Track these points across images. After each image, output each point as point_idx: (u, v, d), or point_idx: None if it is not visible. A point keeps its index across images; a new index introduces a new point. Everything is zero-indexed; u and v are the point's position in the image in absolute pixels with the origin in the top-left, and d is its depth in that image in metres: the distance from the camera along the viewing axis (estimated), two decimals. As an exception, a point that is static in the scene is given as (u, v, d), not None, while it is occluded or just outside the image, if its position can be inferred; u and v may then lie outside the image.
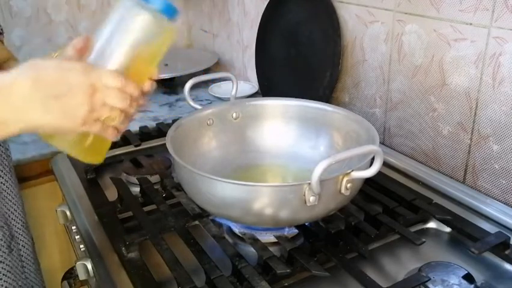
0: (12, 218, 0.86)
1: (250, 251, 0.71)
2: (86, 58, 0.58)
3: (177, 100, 1.41)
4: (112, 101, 0.55)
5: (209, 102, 1.39)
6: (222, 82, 1.44)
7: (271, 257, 0.67)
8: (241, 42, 1.48)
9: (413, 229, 0.76)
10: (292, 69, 1.19)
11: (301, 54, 1.15)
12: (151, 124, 1.20)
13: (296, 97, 0.92)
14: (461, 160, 0.88)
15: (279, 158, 0.91)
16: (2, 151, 0.85)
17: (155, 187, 0.88)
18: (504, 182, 0.81)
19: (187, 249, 0.71)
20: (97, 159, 0.65)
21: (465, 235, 0.74)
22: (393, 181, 0.88)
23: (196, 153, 0.85)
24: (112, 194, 0.89)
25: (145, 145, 1.10)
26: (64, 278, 0.95)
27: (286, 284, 0.67)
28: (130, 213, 0.82)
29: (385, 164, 0.80)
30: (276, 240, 0.73)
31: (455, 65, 0.85)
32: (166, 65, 1.57)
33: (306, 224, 0.74)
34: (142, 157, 1.01)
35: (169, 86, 1.52)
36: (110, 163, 1.03)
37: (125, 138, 1.10)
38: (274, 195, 0.65)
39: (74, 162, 1.03)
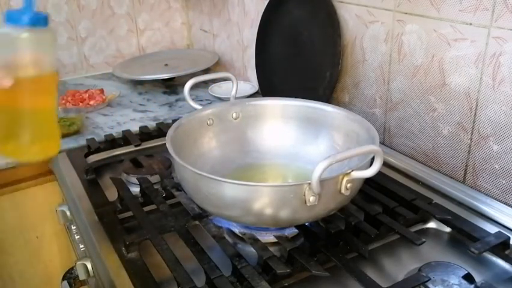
0: None
1: (250, 251, 0.71)
2: None
3: (177, 100, 1.41)
4: None
5: (209, 102, 1.39)
6: (222, 82, 1.44)
7: (271, 257, 0.67)
8: (241, 42, 1.48)
9: (413, 229, 0.76)
10: (292, 69, 1.19)
11: (301, 54, 1.15)
12: (151, 124, 1.21)
13: (296, 97, 0.92)
14: (461, 160, 0.88)
15: (279, 158, 0.91)
16: None
17: (155, 187, 0.88)
18: (504, 182, 0.81)
19: (187, 249, 0.71)
20: (50, 149, 0.67)
21: (465, 235, 0.74)
22: (393, 181, 0.88)
23: (196, 153, 0.85)
24: (112, 194, 0.89)
25: (145, 145, 1.10)
26: (64, 278, 0.95)
27: (286, 284, 0.67)
28: (130, 213, 0.82)
29: (385, 164, 0.80)
30: (276, 240, 0.73)
31: (455, 65, 0.85)
32: (166, 65, 1.57)
33: (306, 224, 0.74)
34: (142, 157, 1.01)
35: (169, 86, 1.52)
36: (110, 163, 1.03)
37: (125, 138, 1.10)
38: (274, 195, 0.65)
39: (74, 162, 1.03)
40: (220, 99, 1.37)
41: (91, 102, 1.35)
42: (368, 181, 0.76)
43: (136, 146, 1.07)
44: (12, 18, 0.59)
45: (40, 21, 0.60)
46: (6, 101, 0.62)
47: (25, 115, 0.64)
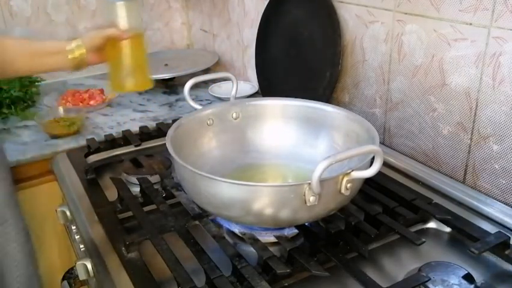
0: None
1: (250, 251, 0.71)
2: None
3: (177, 100, 1.41)
4: None
5: (209, 102, 1.39)
6: (222, 82, 1.44)
7: (271, 257, 0.67)
8: (241, 42, 1.48)
9: (413, 229, 0.76)
10: (292, 69, 1.19)
11: (301, 54, 1.15)
12: (151, 124, 1.21)
13: (296, 97, 0.92)
14: (461, 160, 0.88)
15: (279, 158, 0.91)
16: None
17: (155, 187, 0.88)
18: (504, 182, 0.81)
19: (187, 249, 0.71)
20: (147, 83, 0.99)
21: (465, 235, 0.74)
22: (393, 181, 0.88)
23: (196, 153, 0.85)
24: (112, 194, 0.89)
25: (145, 145, 1.10)
26: (64, 278, 0.95)
27: (286, 284, 0.67)
28: (130, 213, 0.82)
29: (385, 164, 0.80)
30: (276, 240, 0.73)
31: (455, 65, 0.85)
32: (166, 65, 1.57)
33: (306, 224, 0.74)
34: (142, 157, 1.01)
35: (169, 86, 1.52)
36: (110, 163, 1.03)
37: (125, 138, 1.10)
38: (274, 195, 0.65)
39: (74, 162, 1.03)
40: (220, 99, 1.37)
41: (91, 102, 1.35)
42: (368, 181, 0.76)
43: (136, 146, 1.07)
44: None
45: None
46: (116, 54, 0.92)
47: (128, 62, 0.93)
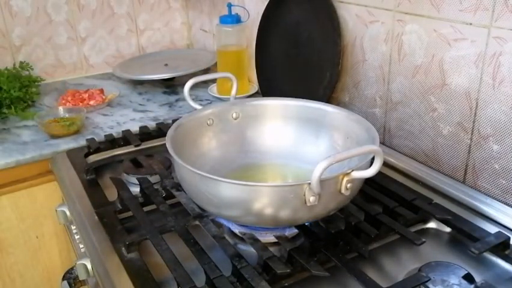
0: None
1: (250, 251, 0.71)
2: None
3: (177, 100, 1.41)
4: None
5: (209, 102, 1.39)
6: (222, 82, 1.44)
7: (271, 257, 0.67)
8: (241, 42, 1.48)
9: (413, 229, 0.76)
10: (292, 69, 1.19)
11: (301, 54, 1.15)
12: (151, 124, 1.21)
13: (296, 97, 0.92)
14: (461, 160, 0.88)
15: (279, 158, 0.91)
16: None
17: (155, 187, 0.88)
18: (504, 182, 0.81)
19: (187, 249, 0.71)
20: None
21: (465, 235, 0.74)
22: (393, 181, 0.88)
23: (196, 153, 0.85)
24: (112, 194, 0.89)
25: (145, 145, 1.10)
26: (64, 278, 0.95)
27: (286, 284, 0.67)
28: (130, 213, 0.82)
29: (385, 164, 0.80)
30: (276, 240, 0.73)
31: (455, 65, 0.85)
32: (166, 65, 1.57)
33: (306, 224, 0.74)
34: (142, 157, 1.01)
35: (169, 86, 1.52)
36: (110, 163, 1.03)
37: (125, 138, 1.10)
38: (274, 195, 0.65)
39: (74, 162, 1.03)
40: (220, 99, 1.37)
41: (91, 102, 1.35)
42: (368, 181, 0.76)
43: (136, 146, 1.07)
44: (223, 20, 1.31)
45: (236, 20, 1.31)
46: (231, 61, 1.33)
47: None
